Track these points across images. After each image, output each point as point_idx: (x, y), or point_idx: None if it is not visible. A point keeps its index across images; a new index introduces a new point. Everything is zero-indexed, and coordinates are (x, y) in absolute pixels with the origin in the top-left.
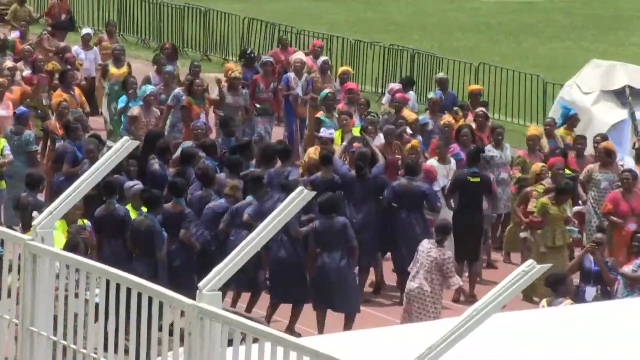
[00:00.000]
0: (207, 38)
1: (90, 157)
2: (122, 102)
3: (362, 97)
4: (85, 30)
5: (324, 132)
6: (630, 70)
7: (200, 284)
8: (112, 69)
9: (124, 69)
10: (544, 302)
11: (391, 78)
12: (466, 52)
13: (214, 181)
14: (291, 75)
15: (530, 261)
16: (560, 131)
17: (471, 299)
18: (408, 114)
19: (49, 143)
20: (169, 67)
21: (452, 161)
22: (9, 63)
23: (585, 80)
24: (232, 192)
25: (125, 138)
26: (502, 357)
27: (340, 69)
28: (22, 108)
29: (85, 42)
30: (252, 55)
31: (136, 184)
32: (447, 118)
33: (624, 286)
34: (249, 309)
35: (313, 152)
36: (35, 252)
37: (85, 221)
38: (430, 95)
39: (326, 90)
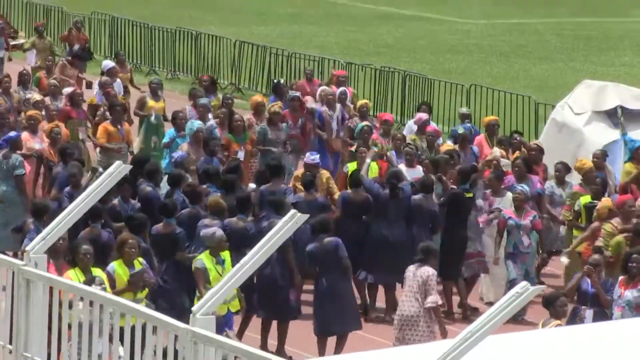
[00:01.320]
0: (198, 62)
1: (72, 181)
2: (168, 137)
3: (397, 132)
4: (108, 62)
5: (307, 158)
6: (621, 91)
7: (194, 308)
8: (151, 102)
9: (162, 103)
10: (540, 323)
11: (383, 100)
12: (457, 74)
13: (201, 198)
14: (324, 109)
15: (523, 283)
16: (627, 166)
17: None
18: (445, 146)
19: (42, 170)
20: (203, 100)
21: (508, 193)
22: (37, 96)
23: (576, 101)
24: (215, 207)
25: (117, 162)
26: None
27: (360, 102)
28: (11, 133)
29: (111, 75)
30: (284, 86)
31: (216, 230)
32: (497, 151)
33: (629, 311)
34: (240, 332)
35: (300, 174)
36: (29, 277)
37: (141, 259)
38: (460, 130)
39: (363, 123)
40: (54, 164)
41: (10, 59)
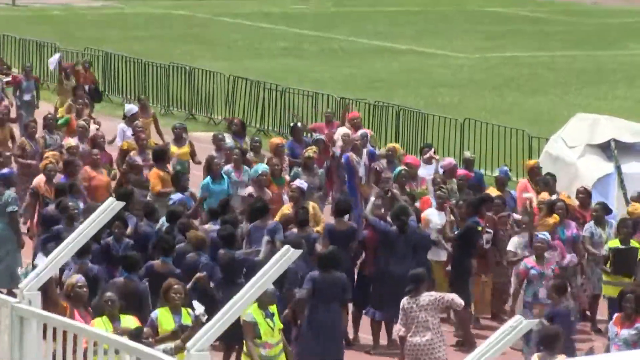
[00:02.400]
0: (192, 97)
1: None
2: (204, 189)
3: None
4: (130, 107)
5: (294, 183)
6: (615, 124)
7: (188, 344)
8: (173, 148)
9: (186, 148)
10: (535, 357)
11: (377, 134)
12: (451, 108)
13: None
14: (351, 155)
15: (517, 316)
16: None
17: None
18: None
19: (37, 206)
20: (229, 143)
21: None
22: (72, 142)
23: (570, 134)
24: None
25: (110, 199)
26: None
27: (388, 145)
28: (6, 169)
29: (132, 119)
30: (302, 128)
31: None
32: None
33: (625, 349)
34: None
35: (287, 209)
36: (23, 314)
37: (190, 310)
38: (496, 174)
39: (400, 168)
40: (50, 201)
41: (38, 107)
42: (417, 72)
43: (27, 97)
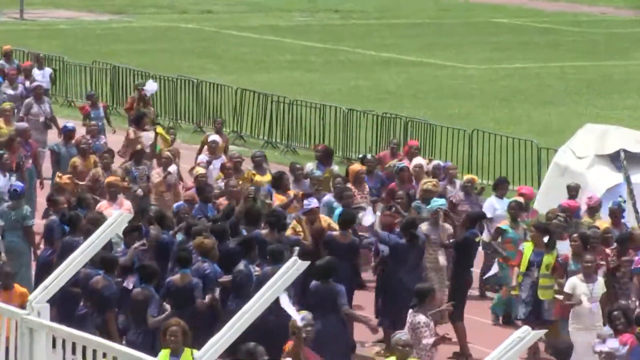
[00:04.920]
0: (200, 109)
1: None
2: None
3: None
4: (214, 137)
5: (306, 205)
6: (624, 134)
7: (196, 356)
8: (257, 177)
9: (268, 176)
10: None
11: (385, 146)
12: (459, 119)
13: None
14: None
15: (525, 327)
16: None
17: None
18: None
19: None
20: (317, 173)
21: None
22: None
23: (579, 144)
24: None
25: (118, 212)
26: None
27: (465, 177)
28: (18, 183)
29: (213, 150)
30: (372, 159)
31: None
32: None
33: None
34: None
35: (295, 225)
36: (32, 326)
37: (195, 351)
38: (610, 205)
39: (512, 199)
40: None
41: (114, 131)
42: (425, 84)
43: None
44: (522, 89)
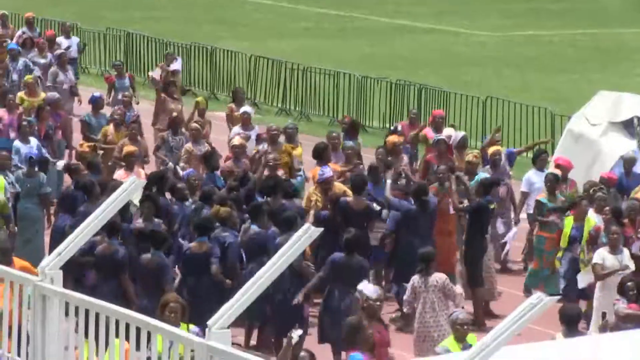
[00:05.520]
0: (214, 76)
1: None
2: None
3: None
4: (245, 108)
5: (320, 176)
6: (637, 101)
7: (209, 322)
8: (295, 151)
9: (300, 149)
10: (559, 334)
11: (399, 113)
12: (473, 86)
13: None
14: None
15: (538, 294)
16: None
17: (481, 326)
18: None
19: None
20: (349, 143)
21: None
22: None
23: (592, 111)
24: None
25: (132, 178)
26: None
27: (491, 150)
28: (33, 151)
29: (246, 122)
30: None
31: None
32: None
33: None
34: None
35: (312, 191)
36: (45, 293)
37: (192, 326)
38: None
39: (548, 172)
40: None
41: (137, 102)
42: (439, 51)
43: (120, 96)
44: (535, 56)
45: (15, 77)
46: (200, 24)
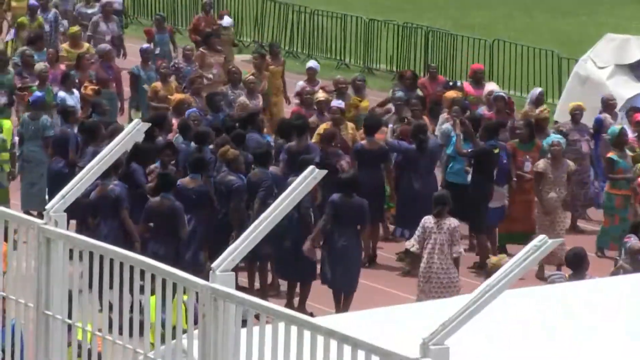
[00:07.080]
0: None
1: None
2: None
3: None
4: (311, 64)
5: (333, 104)
6: None
7: (213, 265)
8: (362, 103)
9: (367, 102)
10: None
11: (406, 56)
12: (480, 29)
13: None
14: (605, 116)
15: (542, 236)
16: None
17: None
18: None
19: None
20: (399, 93)
21: None
22: (321, 95)
23: (599, 54)
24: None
25: (136, 120)
26: (516, 334)
27: (571, 105)
28: (37, 94)
29: (311, 77)
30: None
31: None
32: None
33: None
34: (302, 302)
35: (325, 126)
36: (49, 235)
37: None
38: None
39: (618, 127)
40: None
41: (176, 57)
42: None
43: (158, 51)
44: None
45: (47, 27)
46: None
